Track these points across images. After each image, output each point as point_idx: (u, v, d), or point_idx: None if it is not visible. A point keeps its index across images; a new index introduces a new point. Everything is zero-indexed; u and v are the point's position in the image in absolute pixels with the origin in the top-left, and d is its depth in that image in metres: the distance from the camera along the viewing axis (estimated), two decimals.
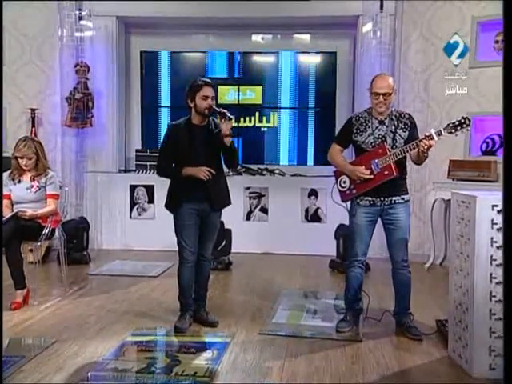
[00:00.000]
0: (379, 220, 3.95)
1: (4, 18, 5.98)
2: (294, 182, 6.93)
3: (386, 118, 3.86)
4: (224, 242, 5.93)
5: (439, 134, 3.58)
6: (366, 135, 3.86)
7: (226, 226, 5.88)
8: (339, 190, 4.00)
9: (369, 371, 3.32)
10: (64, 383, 3.09)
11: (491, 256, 3.16)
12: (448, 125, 3.62)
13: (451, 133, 3.61)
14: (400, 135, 3.82)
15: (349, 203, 4.03)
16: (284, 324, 4.15)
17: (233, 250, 6.11)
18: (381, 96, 3.75)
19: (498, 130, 5.88)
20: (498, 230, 3.12)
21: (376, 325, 4.09)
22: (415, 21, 6.38)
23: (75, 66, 6.68)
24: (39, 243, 4.64)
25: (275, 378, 3.20)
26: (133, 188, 6.98)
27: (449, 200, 5.91)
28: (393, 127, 3.83)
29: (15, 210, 4.54)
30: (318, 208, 6.78)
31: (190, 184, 3.88)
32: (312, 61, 7.41)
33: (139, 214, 6.99)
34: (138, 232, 6.90)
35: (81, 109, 6.65)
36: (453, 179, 5.92)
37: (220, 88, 7.19)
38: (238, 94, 7.41)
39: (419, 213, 6.33)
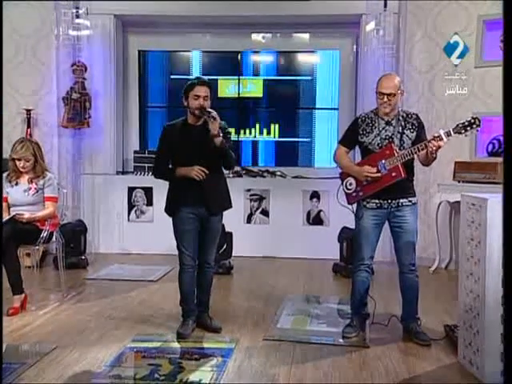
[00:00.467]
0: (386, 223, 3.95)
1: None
2: (296, 183, 6.91)
3: (392, 119, 3.85)
4: (225, 246, 5.91)
5: (448, 134, 3.58)
6: (372, 136, 3.85)
7: (227, 229, 5.87)
8: (345, 192, 3.99)
9: (377, 378, 3.31)
10: None
11: None
12: (457, 125, 3.61)
13: (460, 133, 3.60)
14: (407, 136, 3.82)
15: (355, 206, 4.01)
16: (289, 329, 4.14)
17: (233, 254, 6.09)
18: (385, 96, 3.74)
19: None
20: None
21: (383, 330, 4.08)
22: (419, 19, 6.38)
23: (72, 66, 6.65)
24: (37, 247, 4.62)
25: None
26: (131, 190, 6.96)
27: (454, 202, 5.95)
28: (400, 128, 3.83)
29: (12, 213, 4.52)
30: (320, 211, 6.77)
31: (186, 187, 3.88)
32: (314, 60, 7.41)
33: (137, 217, 6.97)
34: (137, 235, 6.88)
35: (78, 109, 6.62)
36: (458, 181, 5.91)
37: (220, 82, 7.20)
38: (239, 89, 7.40)
39: (424, 215, 6.32)
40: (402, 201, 3.84)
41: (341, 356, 3.63)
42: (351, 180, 3.93)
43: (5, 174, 4.69)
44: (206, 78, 4.08)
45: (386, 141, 3.82)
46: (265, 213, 6.84)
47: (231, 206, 4.14)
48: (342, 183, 4.00)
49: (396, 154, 3.72)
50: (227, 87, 7.39)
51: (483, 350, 3.21)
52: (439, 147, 3.59)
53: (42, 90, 6.83)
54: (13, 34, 6.71)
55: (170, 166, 4.01)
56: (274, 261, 6.58)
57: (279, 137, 7.41)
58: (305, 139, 7.42)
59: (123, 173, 7.27)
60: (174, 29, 7.30)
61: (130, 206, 6.96)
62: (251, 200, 6.84)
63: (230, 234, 6.01)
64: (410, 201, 3.86)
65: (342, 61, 7.27)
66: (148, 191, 6.90)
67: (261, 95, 7.43)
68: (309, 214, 6.81)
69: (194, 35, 7.41)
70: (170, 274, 5.70)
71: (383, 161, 3.74)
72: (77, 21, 6.69)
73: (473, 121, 3.58)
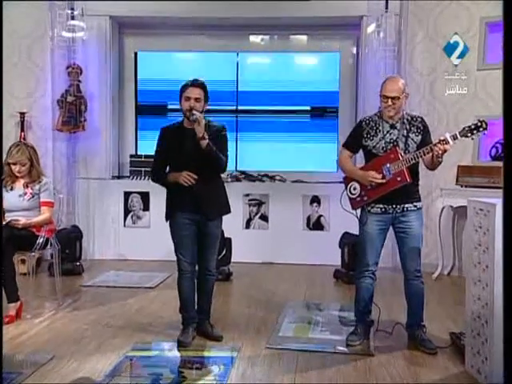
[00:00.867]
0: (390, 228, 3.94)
1: None
2: (296, 188, 6.90)
3: (397, 122, 3.85)
4: (224, 252, 5.89)
5: (454, 138, 3.57)
6: (376, 140, 3.85)
7: (226, 235, 5.84)
8: (349, 197, 3.97)
9: None
10: None
11: None
12: (464, 128, 3.61)
13: (467, 136, 3.60)
14: (412, 139, 3.81)
15: (359, 211, 4.00)
16: (291, 337, 4.12)
17: (232, 260, 6.06)
18: (389, 100, 3.74)
19: None
20: None
21: (387, 338, 4.07)
22: (421, 21, 6.38)
23: (67, 68, 6.62)
24: (33, 253, 4.59)
25: None
26: (127, 195, 6.94)
27: (457, 207, 5.95)
28: (405, 131, 3.83)
29: (8, 219, 4.49)
30: (320, 216, 6.76)
31: (181, 192, 3.85)
32: (314, 62, 7.41)
33: (134, 223, 6.94)
34: (133, 241, 6.84)
35: (73, 112, 6.60)
36: (461, 186, 5.91)
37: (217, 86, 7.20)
38: (237, 91, 7.38)
39: (426, 220, 6.20)
40: (407, 205, 3.83)
41: (345, 364, 3.61)
42: (355, 184, 3.92)
43: None
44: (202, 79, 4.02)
45: (391, 144, 3.81)
46: (264, 218, 6.83)
47: (229, 211, 4.10)
48: (346, 188, 3.98)
49: (401, 158, 3.71)
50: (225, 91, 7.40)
51: (492, 358, 3.19)
52: (445, 151, 3.58)
53: (36, 93, 6.80)
54: (6, 36, 6.67)
55: (168, 170, 3.99)
56: (274, 267, 6.57)
57: (279, 140, 7.40)
58: (305, 143, 7.39)
59: (119, 177, 7.25)
60: (171, 30, 7.28)
61: (126, 211, 6.94)
62: (250, 205, 6.82)
63: (229, 239, 5.99)
64: (415, 206, 3.86)
65: (343, 63, 7.27)
66: (144, 196, 6.88)
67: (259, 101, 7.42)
68: (309, 218, 6.79)
69: (190, 37, 7.38)
70: (167, 280, 5.67)
71: (388, 165, 3.73)
72: (72, 22, 6.66)
73: (479, 124, 3.58)
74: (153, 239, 6.55)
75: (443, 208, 6.04)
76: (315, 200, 6.77)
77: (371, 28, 6.50)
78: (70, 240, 6.07)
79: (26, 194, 4.65)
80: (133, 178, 6.99)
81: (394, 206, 3.82)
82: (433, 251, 6.27)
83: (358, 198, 3.91)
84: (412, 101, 6.34)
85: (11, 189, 4.64)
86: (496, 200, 3.33)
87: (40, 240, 4.59)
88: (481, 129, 3.57)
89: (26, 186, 4.66)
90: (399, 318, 4.28)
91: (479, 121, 3.61)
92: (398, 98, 3.77)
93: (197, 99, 3.82)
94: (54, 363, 3.53)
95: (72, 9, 6.65)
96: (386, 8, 6.34)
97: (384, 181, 3.74)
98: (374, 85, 6.16)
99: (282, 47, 7.40)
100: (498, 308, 3.17)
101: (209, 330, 4.05)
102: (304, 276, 6.11)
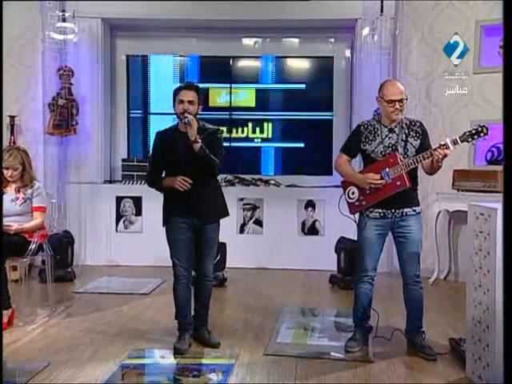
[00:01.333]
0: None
1: None
2: (290, 192, 6.91)
3: (395, 126, 3.86)
4: (218, 257, 5.87)
5: (455, 143, 3.59)
6: (375, 144, 3.86)
7: (220, 240, 5.80)
8: (347, 202, 3.97)
9: None
10: None
11: None
12: (464, 133, 3.63)
13: (467, 141, 3.62)
14: (411, 144, 3.83)
15: (357, 216, 4.01)
16: (289, 344, 4.11)
17: (226, 265, 6.06)
18: (397, 103, 3.76)
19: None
20: None
21: (386, 344, 4.07)
22: (416, 24, 6.42)
23: (59, 71, 6.61)
24: (25, 259, 4.56)
25: None
26: (119, 200, 6.91)
27: (454, 211, 5.98)
28: (403, 135, 3.84)
29: None
30: (315, 220, 6.77)
31: (177, 196, 3.85)
32: (308, 66, 7.43)
33: (126, 228, 6.91)
34: (125, 246, 6.81)
35: (64, 115, 6.58)
36: (457, 190, 5.94)
37: (211, 91, 7.21)
38: (230, 97, 7.39)
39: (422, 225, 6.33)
40: (406, 210, 3.84)
41: (345, 371, 3.61)
42: (354, 189, 3.92)
43: None
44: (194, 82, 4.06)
45: (390, 149, 3.82)
46: (258, 222, 6.83)
47: (227, 214, 4.12)
48: (344, 192, 3.99)
49: (400, 163, 3.72)
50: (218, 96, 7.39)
51: (494, 364, 3.20)
52: (445, 156, 3.60)
53: (26, 96, 6.77)
54: None
55: (164, 175, 3.99)
56: (269, 272, 6.57)
57: (274, 145, 7.41)
58: (299, 147, 7.41)
59: (111, 181, 7.23)
60: (163, 33, 7.28)
61: (118, 216, 6.91)
62: (244, 209, 6.82)
63: (224, 244, 5.97)
64: (414, 210, 3.87)
65: (337, 66, 7.30)
66: (137, 201, 6.86)
67: (253, 104, 7.42)
68: (304, 223, 6.80)
69: (183, 39, 7.39)
70: (162, 286, 5.66)
71: (387, 169, 3.74)
72: (63, 24, 6.64)
73: (480, 129, 3.60)
74: (145, 244, 6.54)
75: (439, 212, 6.07)
76: (310, 204, 6.79)
77: (366, 31, 6.53)
78: (62, 245, 6.03)
79: (18, 198, 4.62)
80: (125, 183, 6.97)
81: (393, 211, 3.83)
82: (429, 256, 6.28)
83: (357, 203, 3.92)
84: (407, 105, 6.36)
85: (3, 194, 4.60)
86: (496, 204, 3.35)
87: (32, 246, 4.56)
88: (481, 134, 3.59)
89: (17, 190, 4.64)
90: (397, 323, 4.29)
91: (480, 126, 3.63)
92: (405, 99, 3.82)
93: (190, 102, 3.83)
94: (49, 371, 3.50)
95: (63, 10, 6.65)
96: (382, 11, 6.37)
97: (383, 182, 3.74)
98: (369, 88, 6.21)
99: (275, 51, 7.41)
100: (499, 313, 3.17)
101: (206, 336, 4.04)
102: (299, 281, 6.12)
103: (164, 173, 4.02)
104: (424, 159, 3.69)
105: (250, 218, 6.83)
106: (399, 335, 4.11)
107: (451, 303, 5.22)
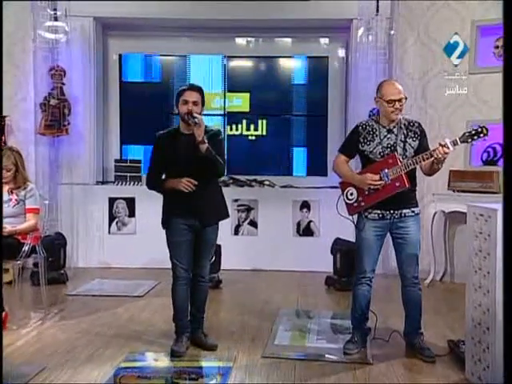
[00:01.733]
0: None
1: None
2: (285, 193, 6.92)
3: (394, 127, 3.88)
4: (213, 259, 5.86)
5: (455, 143, 3.61)
6: (373, 144, 3.87)
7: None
8: (346, 203, 3.99)
9: None
10: None
11: None
12: (464, 134, 3.65)
13: (467, 142, 3.65)
14: (410, 144, 3.84)
15: (355, 217, 4.02)
16: (288, 346, 4.12)
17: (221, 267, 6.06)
18: (397, 103, 3.78)
19: (499, 139, 5.94)
20: None
21: (384, 346, 4.09)
22: (412, 24, 6.45)
23: (50, 70, 6.58)
24: (18, 262, 4.54)
25: None
26: (112, 201, 6.89)
27: (450, 212, 6.02)
28: (402, 136, 3.85)
29: None
30: (310, 221, 6.79)
31: (178, 198, 3.86)
32: (302, 66, 7.44)
33: (119, 229, 6.89)
34: (118, 248, 6.79)
35: (56, 116, 6.55)
36: (453, 190, 5.98)
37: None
38: (224, 102, 7.39)
39: None
40: (404, 211, 3.86)
41: (344, 373, 3.62)
42: (352, 190, 3.94)
43: None
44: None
45: (388, 149, 3.84)
46: (253, 224, 6.83)
47: (227, 216, 4.13)
48: (343, 193, 4.00)
49: (400, 163, 3.73)
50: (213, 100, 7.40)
51: (494, 366, 3.22)
52: (446, 154, 3.62)
53: (17, 96, 6.74)
54: None
55: (164, 177, 3.99)
56: (264, 274, 6.57)
57: (268, 145, 7.42)
58: (294, 147, 7.43)
59: (103, 182, 7.21)
60: (156, 32, 7.27)
61: (111, 218, 6.89)
62: (239, 211, 6.82)
63: (219, 246, 5.96)
64: (412, 211, 3.88)
65: (332, 66, 7.32)
66: (130, 202, 6.84)
67: (247, 107, 7.43)
68: (299, 224, 6.81)
69: (176, 39, 7.39)
70: (156, 288, 5.67)
71: (386, 170, 3.76)
72: (55, 23, 6.61)
73: (480, 130, 3.62)
74: (138, 246, 6.52)
75: (435, 213, 6.10)
76: (305, 205, 6.80)
77: (361, 31, 6.54)
78: (54, 247, 6.01)
79: (11, 200, 4.61)
80: (118, 184, 6.95)
81: (392, 212, 3.85)
82: (425, 257, 6.29)
83: (355, 204, 3.93)
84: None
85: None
86: (496, 205, 3.37)
87: (26, 248, 4.55)
88: (481, 135, 3.61)
89: (10, 192, 4.62)
90: (395, 325, 4.32)
91: (480, 126, 3.65)
92: (405, 98, 3.83)
93: (194, 103, 3.85)
94: (45, 375, 3.50)
95: (55, 9, 6.61)
96: (377, 11, 6.39)
97: (383, 182, 3.76)
98: (364, 89, 6.24)
99: (269, 51, 7.41)
100: (499, 315, 3.20)
101: (202, 339, 4.04)
102: (295, 283, 6.13)
103: (164, 175, 4.02)
104: (424, 160, 3.70)
105: (245, 220, 6.83)
106: (397, 337, 4.13)
107: (448, 304, 5.25)
